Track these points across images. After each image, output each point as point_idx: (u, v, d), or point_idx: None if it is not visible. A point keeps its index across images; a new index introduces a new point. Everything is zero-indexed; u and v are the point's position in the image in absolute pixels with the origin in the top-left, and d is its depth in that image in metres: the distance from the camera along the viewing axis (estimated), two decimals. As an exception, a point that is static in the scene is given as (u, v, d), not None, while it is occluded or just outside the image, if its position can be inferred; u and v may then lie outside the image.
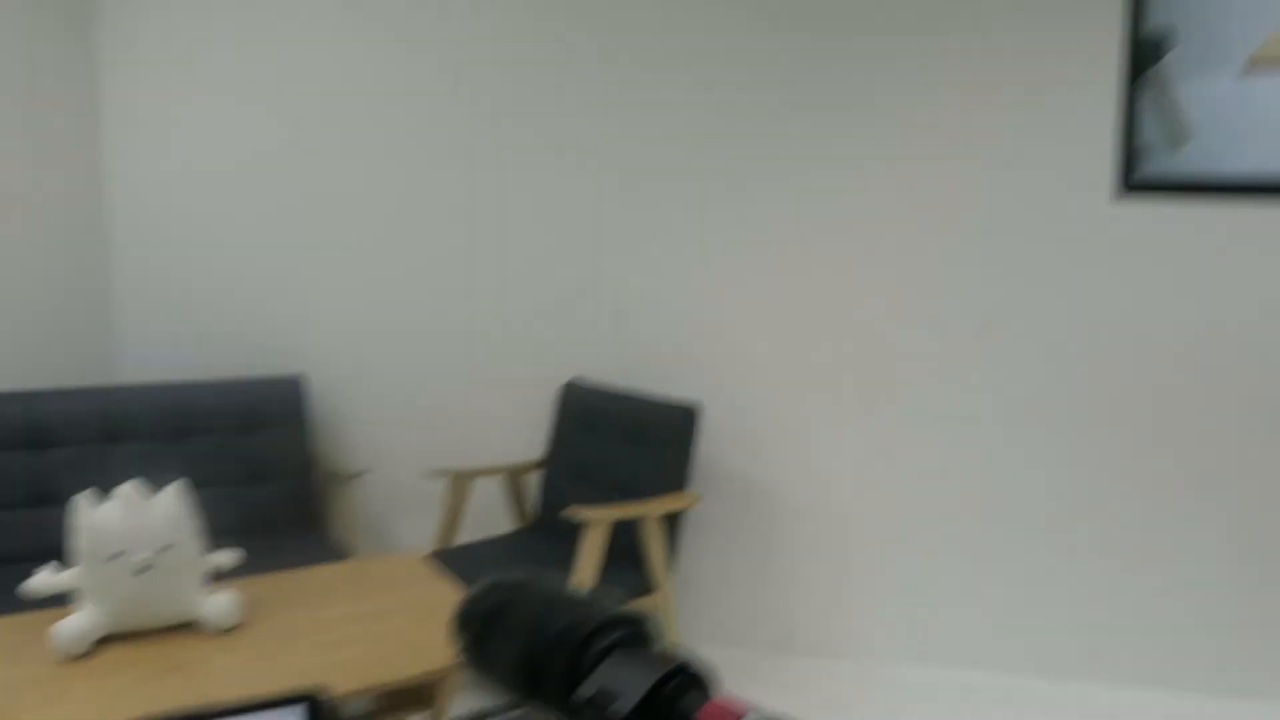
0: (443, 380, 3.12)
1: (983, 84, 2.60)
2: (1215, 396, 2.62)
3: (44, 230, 2.94)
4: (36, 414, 2.69)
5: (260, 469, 2.90)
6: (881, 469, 2.86)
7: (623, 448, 2.75)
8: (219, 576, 1.91)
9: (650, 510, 2.49)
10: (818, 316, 2.85)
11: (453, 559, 2.60)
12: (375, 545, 3.17)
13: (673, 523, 2.64)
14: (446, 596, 2.03)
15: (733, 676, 2.81)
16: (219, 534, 2.35)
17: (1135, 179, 1.09)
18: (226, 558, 1.89)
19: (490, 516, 3.05)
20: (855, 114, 2.74)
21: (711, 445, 2.94)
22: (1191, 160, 1.02)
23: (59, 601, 1.84)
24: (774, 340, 2.88)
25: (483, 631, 0.49)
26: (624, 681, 0.42)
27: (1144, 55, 1.06)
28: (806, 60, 2.75)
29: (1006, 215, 2.65)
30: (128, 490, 1.72)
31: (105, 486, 1.73)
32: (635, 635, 0.46)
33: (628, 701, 0.41)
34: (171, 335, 3.17)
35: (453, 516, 2.85)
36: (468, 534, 2.99)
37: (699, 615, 3.01)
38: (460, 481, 2.86)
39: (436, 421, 3.13)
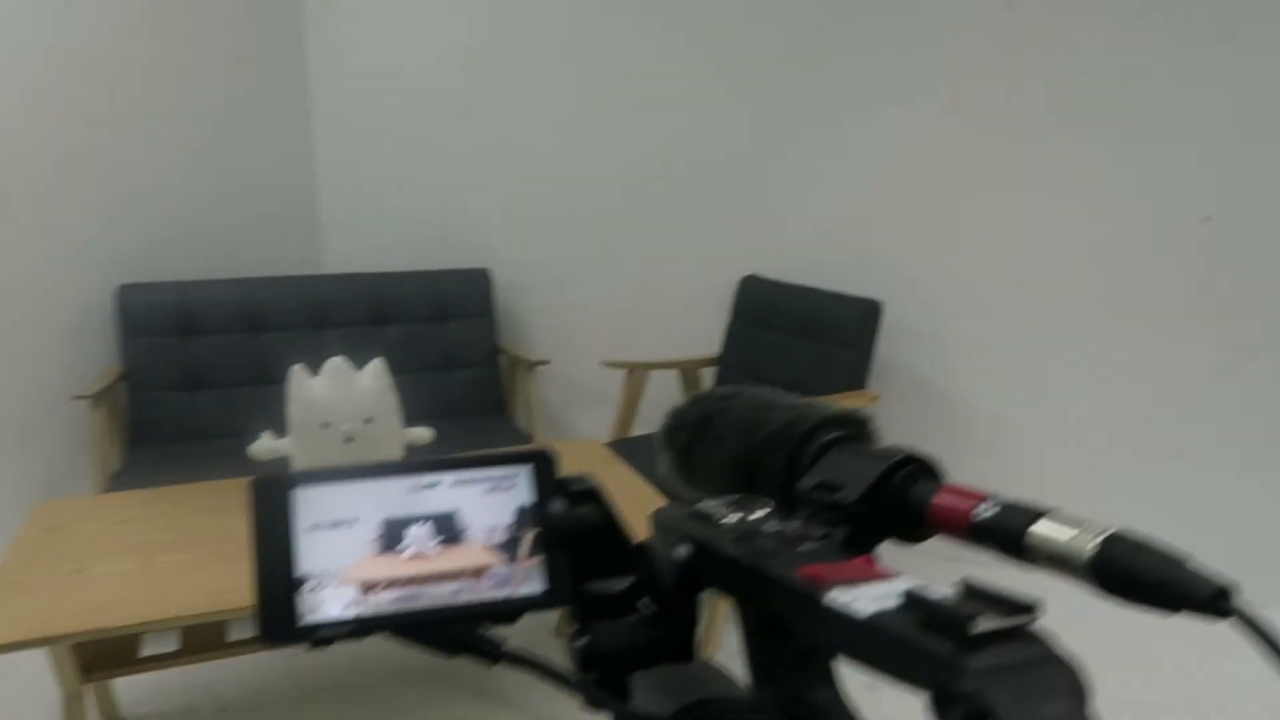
0: (622, 276, 3.17)
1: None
2: None
3: (256, 132, 3.13)
4: (254, 300, 2.92)
5: (451, 356, 3.06)
6: (1061, 378, 2.70)
7: (800, 344, 2.72)
8: (415, 451, 2.05)
9: (826, 408, 2.46)
10: (998, 223, 2.68)
11: (627, 449, 2.67)
12: (556, 433, 3.30)
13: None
14: (626, 479, 2.09)
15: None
16: (413, 415, 2.51)
17: None
18: (422, 434, 2.02)
19: (665, 411, 3.10)
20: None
21: (890, 344, 2.85)
22: None
23: (280, 466, 2.02)
24: (956, 243, 2.73)
25: (693, 438, 0.47)
26: (849, 472, 0.40)
27: None
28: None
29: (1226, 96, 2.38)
30: (335, 365, 1.85)
31: (314, 366, 1.86)
32: (856, 435, 0.43)
33: (854, 490, 0.39)
34: (371, 230, 3.34)
35: (629, 408, 2.92)
36: (642, 427, 3.06)
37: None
38: (636, 374, 2.91)
39: (616, 316, 3.19)
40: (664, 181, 3.05)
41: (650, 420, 3.11)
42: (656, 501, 1.96)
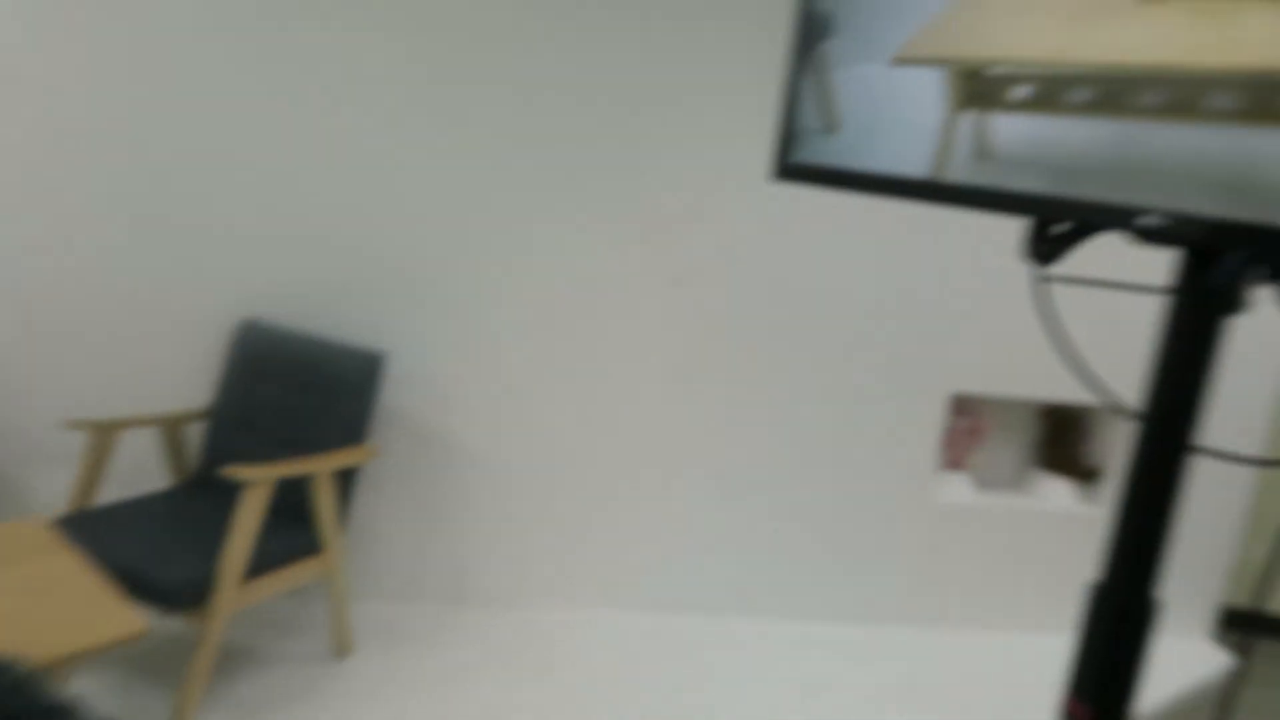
0: (91, 316, 2.73)
1: (658, 82, 2.63)
2: (857, 362, 2.87)
3: None
4: None
5: None
6: (551, 418, 2.86)
7: (299, 396, 2.55)
8: None
9: (322, 467, 2.33)
10: (503, 271, 2.78)
11: (87, 524, 2.29)
12: (3, 506, 2.74)
13: (347, 477, 2.49)
14: (67, 572, 1.78)
15: (403, 630, 2.73)
16: None
17: (789, 163, 1.10)
18: None
19: (145, 472, 2.73)
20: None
21: (398, 393, 2.80)
22: (840, 150, 1.03)
23: None
24: (461, 286, 2.77)
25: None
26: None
27: (807, 40, 1.06)
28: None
29: (678, 193, 2.72)
30: None
31: None
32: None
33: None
34: None
35: (92, 473, 2.51)
36: (118, 490, 2.66)
37: (374, 569, 2.90)
38: (103, 434, 2.52)
39: (82, 364, 2.74)
40: (145, 207, 2.69)
41: (127, 483, 2.71)
42: (106, 596, 1.68)
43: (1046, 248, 0.94)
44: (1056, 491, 3.17)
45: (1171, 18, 0.79)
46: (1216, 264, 0.85)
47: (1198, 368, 0.97)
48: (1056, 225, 0.91)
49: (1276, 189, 0.77)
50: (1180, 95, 0.80)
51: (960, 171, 0.95)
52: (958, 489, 3.13)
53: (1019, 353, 2.88)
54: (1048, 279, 0.99)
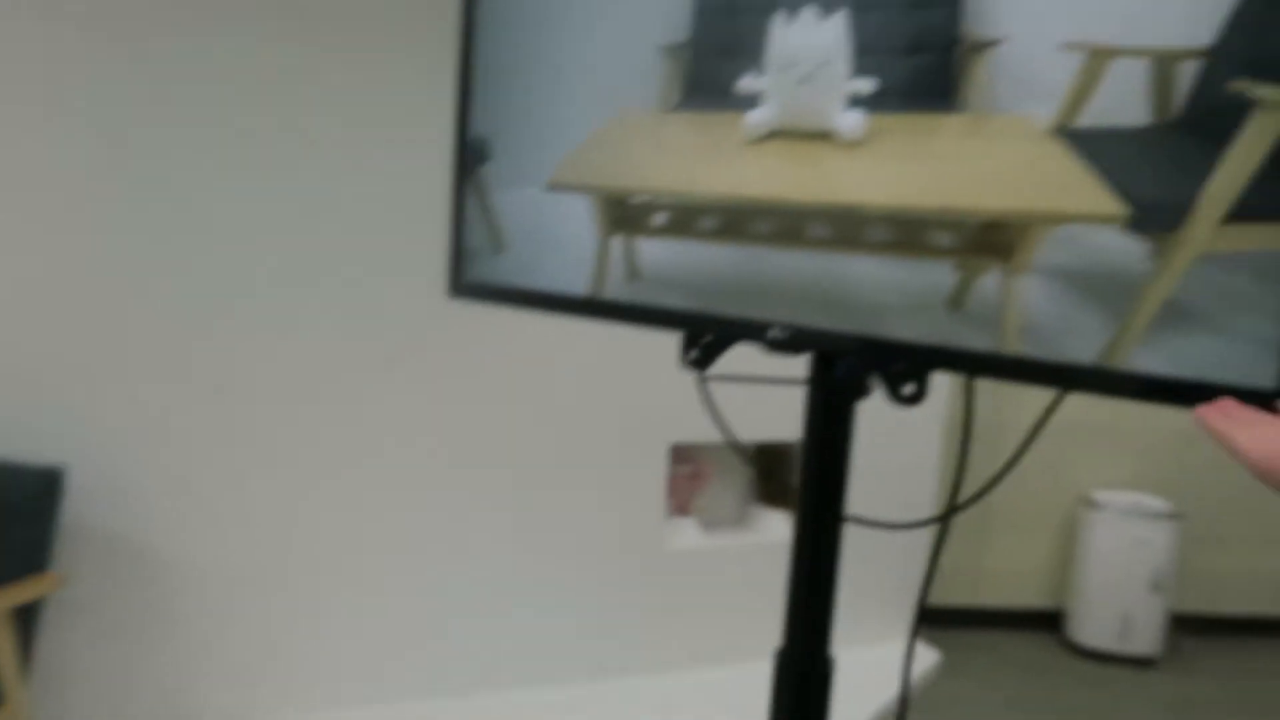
0: None
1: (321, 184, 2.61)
2: (580, 422, 2.97)
3: None
4: None
5: None
6: (263, 513, 2.72)
7: (-41, 529, 2.25)
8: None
9: (-7, 607, 2.07)
10: (189, 357, 2.61)
11: None
12: None
13: (28, 614, 2.22)
14: None
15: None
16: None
17: (463, 281, 1.13)
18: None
19: None
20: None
21: (77, 511, 2.53)
22: (508, 268, 1.07)
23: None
24: (146, 381, 2.57)
25: None
26: None
27: (469, 162, 1.10)
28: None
29: (349, 307, 2.70)
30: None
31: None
32: None
33: None
34: None
35: None
36: None
37: (71, 713, 2.59)
38: None
39: None
40: None
41: None
42: None
43: (698, 356, 1.03)
44: (775, 524, 3.41)
45: (771, 158, 0.90)
46: (835, 364, 0.98)
47: (838, 446, 1.09)
48: (703, 337, 1.00)
49: (864, 304, 0.89)
50: (786, 224, 0.91)
51: (616, 290, 1.02)
52: (686, 534, 3.29)
53: (728, 400, 3.09)
54: (705, 379, 1.08)
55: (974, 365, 0.86)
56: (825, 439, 1.08)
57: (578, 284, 1.04)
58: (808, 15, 0.85)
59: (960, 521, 4.34)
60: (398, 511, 2.83)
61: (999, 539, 4.34)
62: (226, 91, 2.52)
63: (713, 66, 0.93)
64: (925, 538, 3.46)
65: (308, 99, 2.58)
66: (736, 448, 3.16)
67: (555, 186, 1.03)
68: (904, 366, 0.89)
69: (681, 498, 3.39)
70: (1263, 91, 0.69)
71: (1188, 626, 4.27)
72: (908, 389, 0.91)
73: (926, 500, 3.42)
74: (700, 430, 3.12)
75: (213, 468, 2.64)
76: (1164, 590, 3.99)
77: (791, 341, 0.94)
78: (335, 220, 2.65)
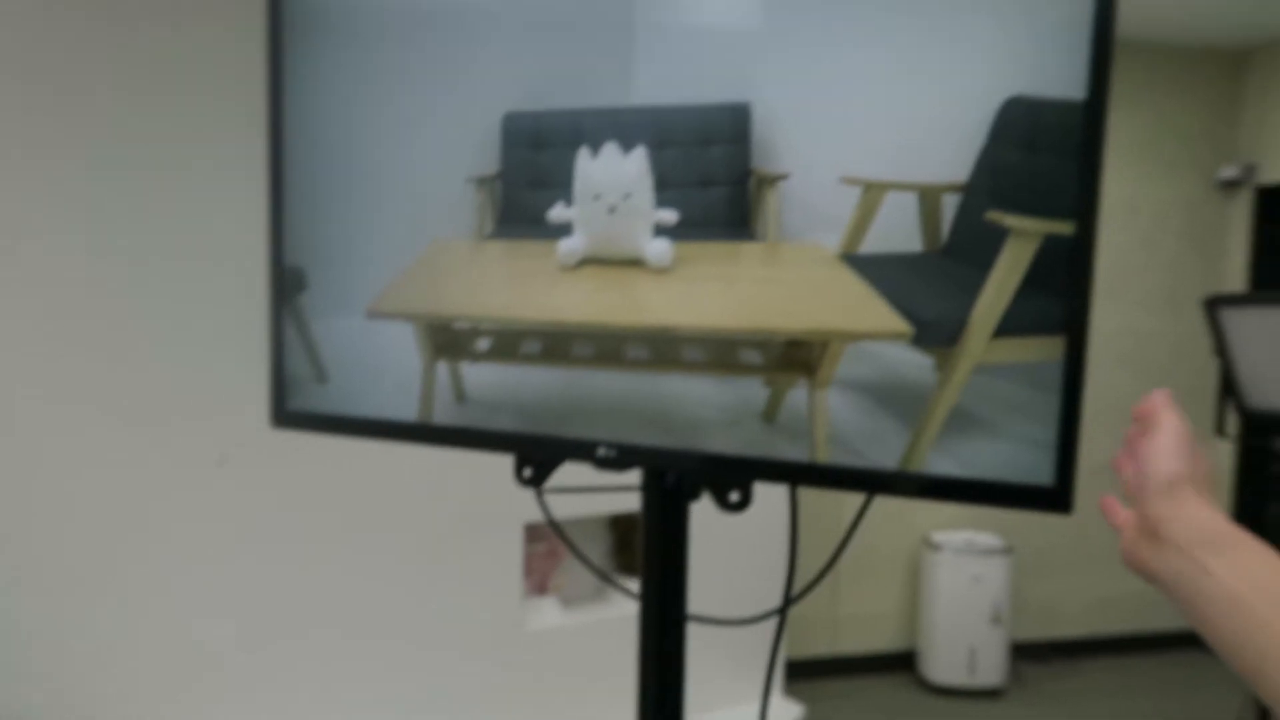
0: None
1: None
2: (431, 512, 2.91)
3: None
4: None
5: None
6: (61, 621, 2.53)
7: None
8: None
9: None
10: None
11: None
12: None
13: None
14: None
15: None
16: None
17: (286, 410, 1.10)
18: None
19: None
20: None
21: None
22: (333, 396, 1.05)
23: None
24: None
25: None
26: None
27: (283, 293, 1.08)
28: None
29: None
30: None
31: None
32: None
33: None
34: None
35: None
36: None
37: None
38: None
39: None
40: None
41: None
42: None
43: (531, 474, 1.04)
44: (634, 592, 3.42)
45: (586, 284, 0.93)
46: (664, 476, 1.00)
47: (676, 545, 1.12)
48: (534, 458, 1.01)
49: (686, 420, 0.93)
50: (606, 347, 0.94)
51: (445, 414, 1.02)
52: (545, 613, 3.25)
53: (579, 475, 3.09)
54: (542, 491, 1.09)
55: (789, 475, 0.90)
56: (663, 540, 1.10)
57: (406, 410, 1.03)
58: (610, 149, 0.89)
59: (814, 565, 4.45)
60: (250, 603, 2.69)
61: (852, 586, 4.49)
62: (42, 206, 2.38)
63: (524, 196, 0.95)
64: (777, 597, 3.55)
65: (129, 226, 2.47)
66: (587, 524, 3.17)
67: (375, 314, 1.02)
68: (726, 477, 0.92)
69: (540, 576, 3.36)
70: (1013, 221, 0.77)
71: (1028, 654, 4.52)
72: (734, 496, 0.95)
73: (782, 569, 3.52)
74: (553, 507, 3.11)
75: (36, 570, 2.44)
76: (1003, 622, 4.21)
77: (620, 459, 0.96)
78: (163, 349, 2.54)
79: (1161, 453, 0.70)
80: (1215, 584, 0.65)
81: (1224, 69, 4.51)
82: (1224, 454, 4.40)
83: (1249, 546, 0.66)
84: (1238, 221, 4.55)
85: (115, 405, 2.51)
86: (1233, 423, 3.22)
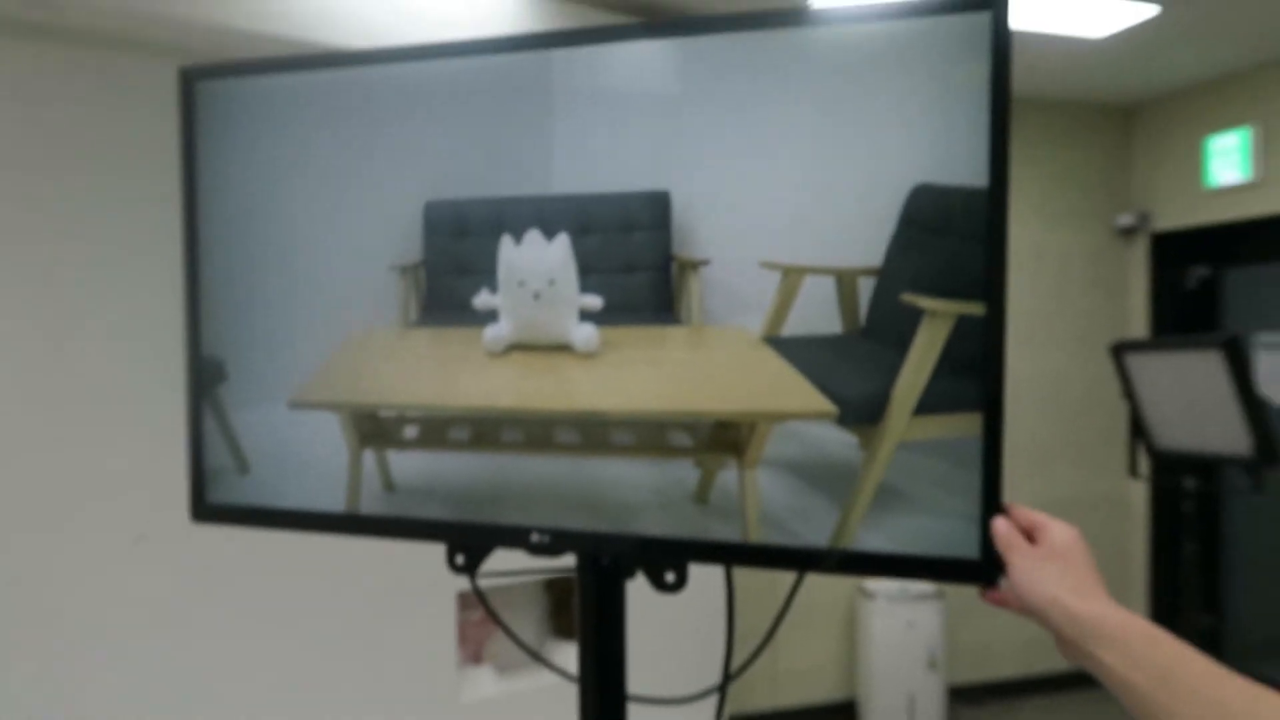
0: None
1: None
2: (360, 586, 2.84)
3: None
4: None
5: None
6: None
7: None
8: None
9: None
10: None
11: None
12: None
13: None
14: None
15: None
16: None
17: (207, 504, 1.07)
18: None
19: None
20: None
21: None
22: (256, 488, 1.03)
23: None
24: None
25: None
26: None
27: (201, 384, 1.06)
28: None
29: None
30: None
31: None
32: None
33: None
34: None
35: None
36: None
37: None
38: None
39: None
40: None
41: None
42: None
43: (464, 561, 1.02)
44: (572, 657, 3.37)
45: (513, 370, 0.92)
46: (599, 558, 1.00)
47: (613, 623, 1.11)
48: (466, 546, 1.00)
49: (618, 503, 0.92)
50: (535, 432, 0.93)
51: (373, 503, 1.00)
52: (480, 682, 3.17)
53: (509, 558, 3.04)
54: (474, 577, 1.08)
55: (723, 555, 0.91)
56: (599, 619, 1.09)
57: (332, 500, 1.01)
58: (533, 236, 0.90)
59: (753, 626, 4.44)
60: (173, 679, 2.57)
61: (791, 638, 4.49)
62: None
63: (448, 284, 0.95)
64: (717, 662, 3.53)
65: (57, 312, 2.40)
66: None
67: (298, 405, 1.00)
68: (661, 559, 0.92)
69: (474, 645, 3.28)
70: (927, 303, 0.79)
71: (964, 697, 4.56)
72: (669, 577, 0.95)
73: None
74: (485, 575, 3.05)
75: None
76: (939, 666, 4.25)
77: (553, 545, 0.95)
78: (80, 427, 2.44)
79: (1022, 582, 0.75)
80: (1108, 674, 0.69)
81: (1116, 122, 4.76)
82: (1139, 494, 4.56)
83: (1138, 633, 0.69)
84: (1136, 266, 4.76)
85: (31, 483, 2.40)
86: (1144, 463, 3.34)
